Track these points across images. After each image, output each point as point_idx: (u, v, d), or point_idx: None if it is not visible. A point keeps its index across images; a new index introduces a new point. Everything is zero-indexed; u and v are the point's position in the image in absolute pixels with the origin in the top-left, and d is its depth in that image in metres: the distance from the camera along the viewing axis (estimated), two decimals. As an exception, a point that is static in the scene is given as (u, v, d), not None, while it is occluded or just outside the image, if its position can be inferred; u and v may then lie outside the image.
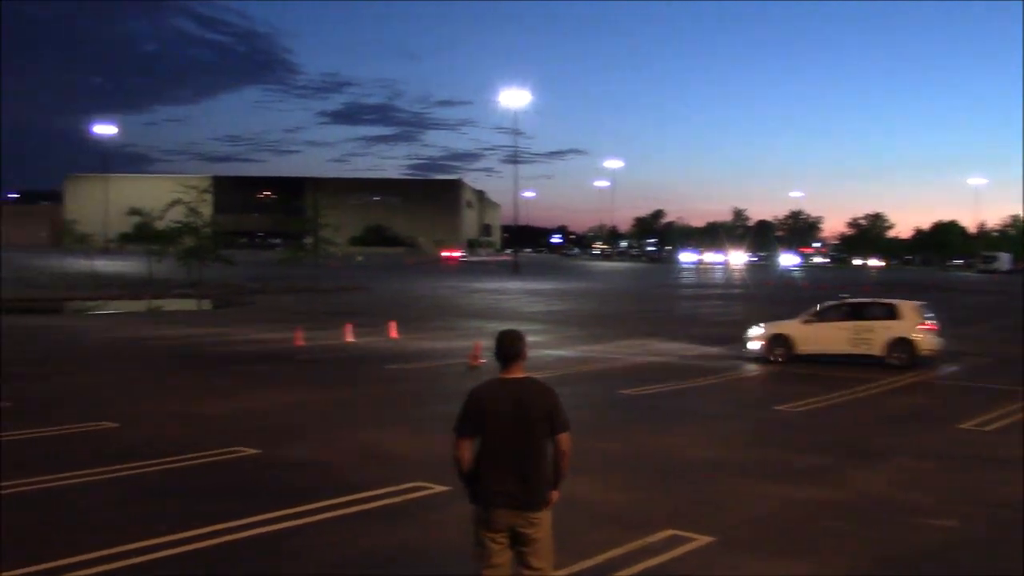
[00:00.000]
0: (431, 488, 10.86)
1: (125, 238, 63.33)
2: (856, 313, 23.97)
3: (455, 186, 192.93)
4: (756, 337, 24.33)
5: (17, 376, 19.61)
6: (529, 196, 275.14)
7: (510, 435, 5.82)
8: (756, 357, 24.07)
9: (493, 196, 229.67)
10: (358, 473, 11.71)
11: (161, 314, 39.79)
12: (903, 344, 22.85)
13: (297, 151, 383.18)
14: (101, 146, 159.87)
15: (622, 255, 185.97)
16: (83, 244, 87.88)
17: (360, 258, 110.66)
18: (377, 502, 10.31)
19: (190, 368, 21.67)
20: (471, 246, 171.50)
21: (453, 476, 10.93)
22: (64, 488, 10.81)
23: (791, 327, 24.18)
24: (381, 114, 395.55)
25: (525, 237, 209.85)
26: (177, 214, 58.09)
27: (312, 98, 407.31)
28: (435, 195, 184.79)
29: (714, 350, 27.05)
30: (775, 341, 23.80)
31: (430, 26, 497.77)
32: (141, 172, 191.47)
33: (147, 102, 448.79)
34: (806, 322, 24.09)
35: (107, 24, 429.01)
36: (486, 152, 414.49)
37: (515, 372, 6.00)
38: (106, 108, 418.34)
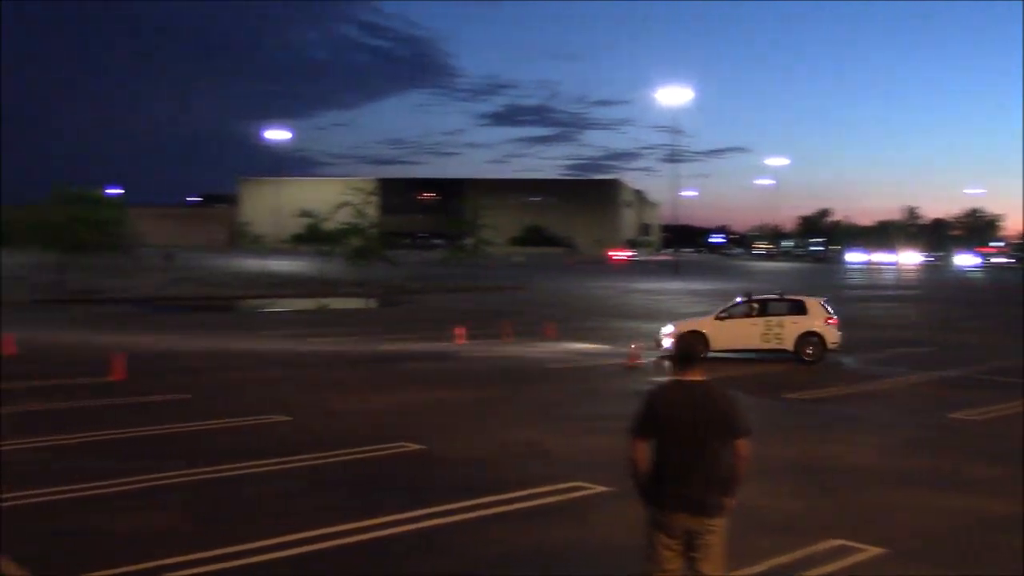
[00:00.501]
0: (591, 488, 10.86)
1: (296, 239, 65.73)
2: (766, 309, 24.30)
3: (613, 186, 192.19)
4: (668, 335, 24.16)
5: (196, 370, 20.71)
6: (689, 195, 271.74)
7: (688, 439, 5.70)
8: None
9: (652, 195, 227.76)
10: (518, 471, 11.82)
11: (329, 312, 41.23)
12: (813, 338, 23.44)
13: (457, 153, 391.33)
14: (273, 150, 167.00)
15: (785, 255, 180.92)
16: (257, 245, 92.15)
17: (520, 258, 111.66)
18: (537, 500, 10.39)
19: (356, 364, 22.36)
20: (631, 246, 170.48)
21: (613, 476, 10.95)
22: (242, 477, 11.36)
23: (705, 324, 24.16)
24: (539, 115, 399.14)
25: (685, 237, 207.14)
26: (345, 215, 60.06)
27: (472, 100, 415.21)
28: (593, 195, 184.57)
29: (883, 354, 26.06)
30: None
31: (588, 26, 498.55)
32: (310, 175, 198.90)
33: (315, 107, 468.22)
34: (719, 319, 24.13)
35: (279, 34, 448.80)
36: (645, 151, 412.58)
37: (693, 375, 5.88)
38: (278, 114, 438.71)
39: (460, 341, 26.92)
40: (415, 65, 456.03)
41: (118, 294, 45.76)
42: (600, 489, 10.77)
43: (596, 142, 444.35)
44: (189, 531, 9.18)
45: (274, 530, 9.07)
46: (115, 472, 11.29)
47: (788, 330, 23.62)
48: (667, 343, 24.06)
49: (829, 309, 24.28)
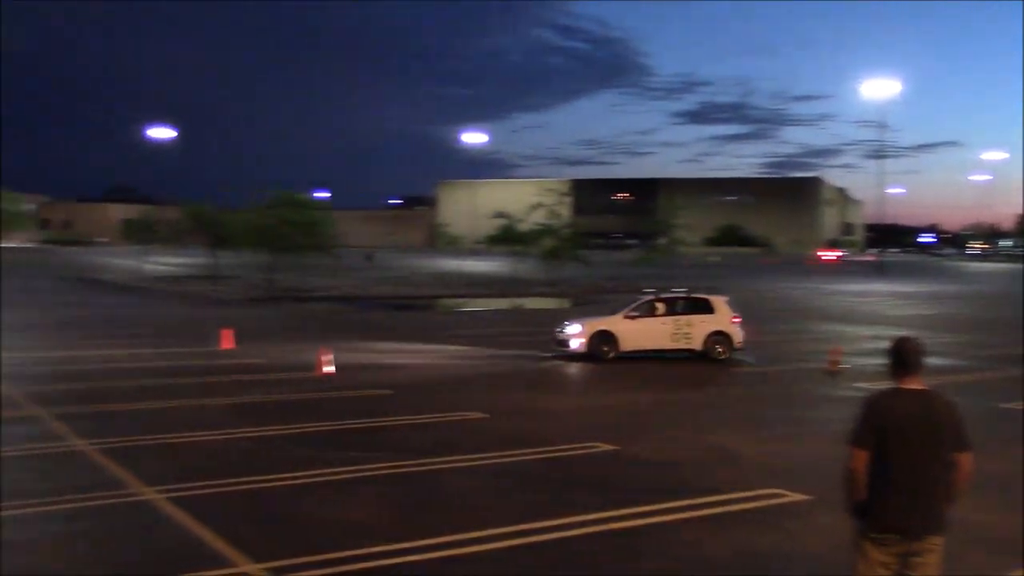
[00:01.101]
0: (788, 496, 10.55)
1: (491, 240, 67.12)
2: (674, 308, 23.73)
3: (813, 184, 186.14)
4: (576, 335, 22.90)
5: (397, 367, 21.45)
6: (896, 193, 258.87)
7: (914, 451, 5.41)
8: (578, 355, 22.75)
9: (856, 193, 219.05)
10: (711, 475, 11.63)
11: (523, 312, 41.83)
12: (721, 337, 23.21)
13: (651, 152, 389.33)
14: (469, 153, 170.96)
15: (1003, 255, 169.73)
16: (454, 245, 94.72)
17: (715, 258, 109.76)
18: (732, 506, 10.18)
19: (548, 363, 22.57)
20: (832, 245, 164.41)
21: (812, 484, 10.61)
22: (439, 472, 11.69)
23: (614, 323, 23.30)
24: (735, 112, 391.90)
25: (891, 236, 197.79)
26: (539, 216, 60.83)
27: (666, 99, 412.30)
28: (791, 194, 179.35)
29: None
30: (599, 338, 22.73)
31: (785, 21, 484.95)
32: (505, 177, 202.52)
33: (510, 110, 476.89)
34: (628, 318, 23.30)
35: (476, 39, 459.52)
36: (847, 147, 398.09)
37: (914, 383, 5.58)
38: (474, 117, 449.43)
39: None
40: (608, 66, 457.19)
41: (323, 292, 48.10)
42: (798, 497, 10.45)
43: (794, 139, 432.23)
44: (389, 522, 9.52)
45: (470, 525, 9.28)
46: (321, 462, 11.87)
47: (697, 329, 23.17)
48: (574, 343, 23.17)
49: (732, 308, 23.95)
